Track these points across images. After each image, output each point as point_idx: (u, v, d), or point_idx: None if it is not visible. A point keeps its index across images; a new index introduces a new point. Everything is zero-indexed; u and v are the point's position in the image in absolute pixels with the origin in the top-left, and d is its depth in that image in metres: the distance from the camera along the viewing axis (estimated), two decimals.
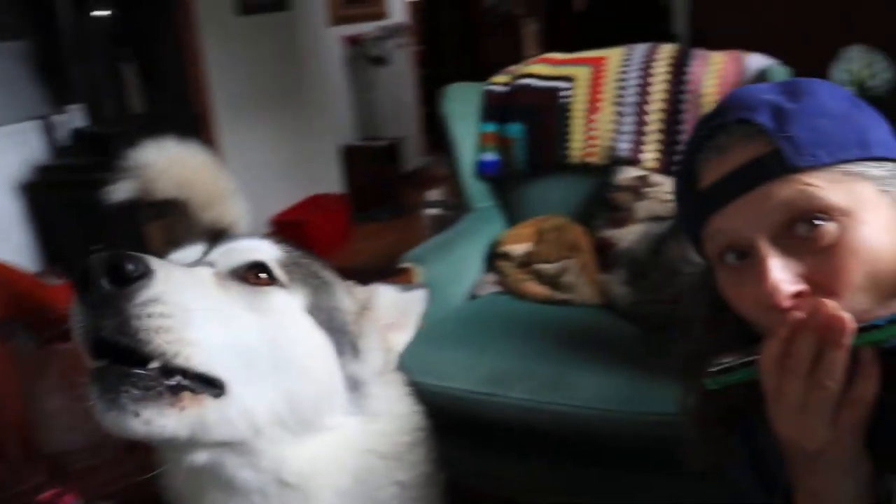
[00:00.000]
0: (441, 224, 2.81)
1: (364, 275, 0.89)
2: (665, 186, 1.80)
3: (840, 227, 0.61)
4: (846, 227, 0.61)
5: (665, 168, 1.84)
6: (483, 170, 2.12)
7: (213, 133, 3.45)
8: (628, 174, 1.86)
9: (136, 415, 0.59)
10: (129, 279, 0.58)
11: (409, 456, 0.80)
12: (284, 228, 3.68)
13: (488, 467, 1.67)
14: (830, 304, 0.58)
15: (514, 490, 1.68)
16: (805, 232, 0.62)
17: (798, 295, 0.62)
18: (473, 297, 1.98)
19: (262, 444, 0.68)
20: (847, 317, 0.57)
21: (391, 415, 0.80)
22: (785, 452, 0.64)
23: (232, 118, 3.59)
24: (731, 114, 0.67)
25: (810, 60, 2.21)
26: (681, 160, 0.73)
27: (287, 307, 0.71)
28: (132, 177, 1.06)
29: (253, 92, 3.80)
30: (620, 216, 1.84)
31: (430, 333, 1.78)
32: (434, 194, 4.83)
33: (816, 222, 0.61)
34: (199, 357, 0.61)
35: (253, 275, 0.70)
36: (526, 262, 1.98)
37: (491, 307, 1.90)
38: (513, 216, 2.11)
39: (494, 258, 2.02)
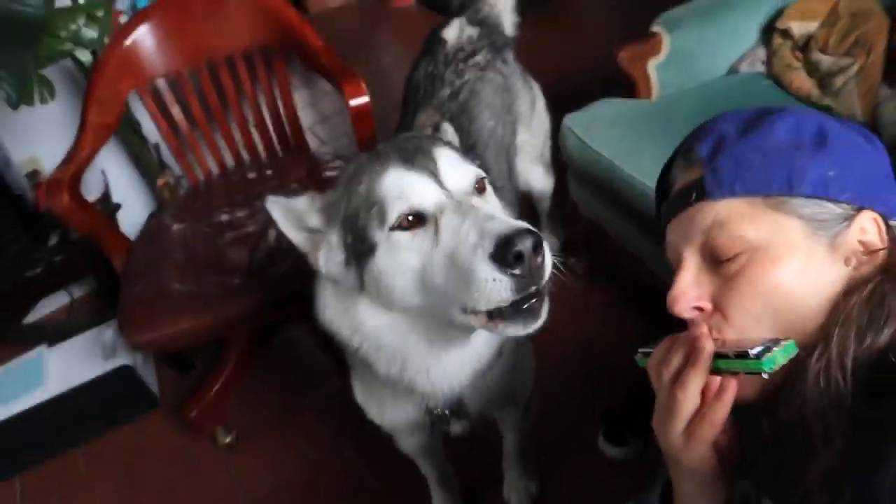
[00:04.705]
0: None
1: None
2: None
3: (747, 260, 0.64)
4: (753, 261, 0.64)
5: None
6: None
7: None
8: None
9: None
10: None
11: None
12: None
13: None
14: (703, 328, 0.64)
15: None
16: (718, 256, 0.66)
17: (700, 310, 0.67)
18: (733, 71, 1.79)
19: None
20: (707, 341, 0.62)
21: None
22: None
23: None
24: (692, 138, 0.74)
25: None
26: (659, 176, 0.80)
27: None
28: None
29: None
30: None
31: (654, 110, 1.69)
32: None
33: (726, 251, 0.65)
34: None
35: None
36: (803, 47, 1.70)
37: (740, 93, 1.71)
38: None
39: (770, 32, 1.75)
